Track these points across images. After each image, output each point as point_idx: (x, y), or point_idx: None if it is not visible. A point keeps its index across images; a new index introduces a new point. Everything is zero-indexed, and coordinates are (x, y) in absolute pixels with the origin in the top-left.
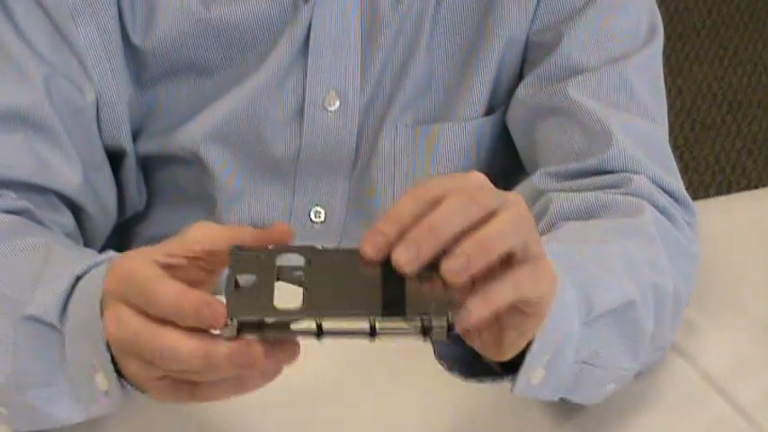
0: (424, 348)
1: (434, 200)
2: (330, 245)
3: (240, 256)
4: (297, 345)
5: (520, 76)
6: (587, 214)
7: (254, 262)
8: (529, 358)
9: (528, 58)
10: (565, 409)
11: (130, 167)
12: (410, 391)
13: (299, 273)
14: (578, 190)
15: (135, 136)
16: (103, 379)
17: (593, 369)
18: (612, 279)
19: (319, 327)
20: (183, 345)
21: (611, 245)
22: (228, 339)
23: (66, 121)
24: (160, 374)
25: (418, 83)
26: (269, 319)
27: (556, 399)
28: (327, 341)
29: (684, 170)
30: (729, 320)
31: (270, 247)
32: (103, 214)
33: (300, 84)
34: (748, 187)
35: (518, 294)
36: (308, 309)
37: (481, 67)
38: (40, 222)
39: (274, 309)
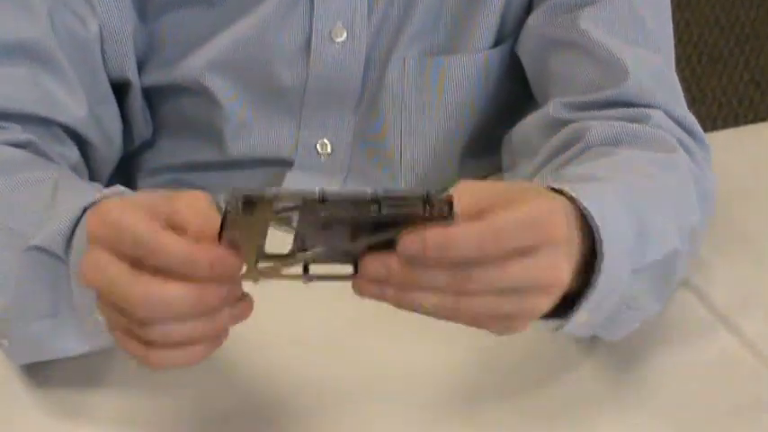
0: None
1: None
2: (337, 178)
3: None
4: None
5: (529, 6)
6: (617, 142)
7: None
8: (582, 305)
9: None
10: (576, 343)
11: (136, 98)
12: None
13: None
14: (598, 120)
15: (140, 67)
16: None
17: (628, 311)
18: (664, 226)
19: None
20: (168, 291)
21: (658, 181)
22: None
23: (71, 54)
24: (125, 326)
25: (427, 14)
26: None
27: (588, 335)
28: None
29: (691, 103)
30: (736, 254)
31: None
32: (109, 146)
33: (307, 15)
34: (755, 120)
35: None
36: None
37: None
38: (45, 155)
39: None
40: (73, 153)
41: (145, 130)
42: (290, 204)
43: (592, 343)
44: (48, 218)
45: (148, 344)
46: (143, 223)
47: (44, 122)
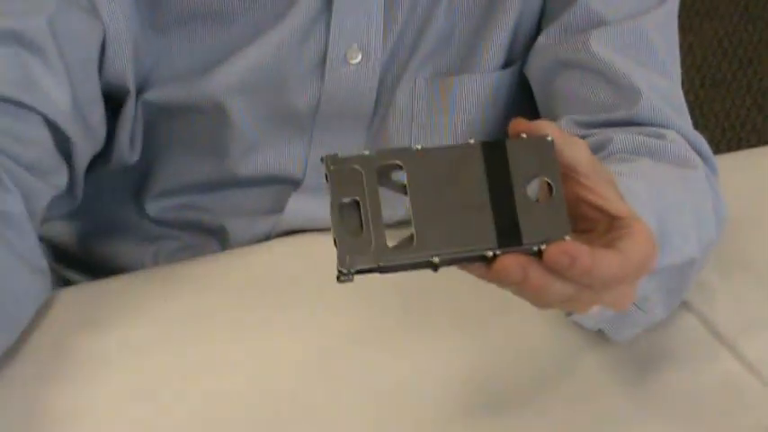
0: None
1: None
2: None
3: (339, 171)
4: None
5: (539, 28)
6: (638, 154)
7: (355, 177)
8: None
9: (547, 9)
10: (573, 364)
11: (129, 113)
12: (431, 326)
13: (401, 180)
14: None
15: (148, 82)
16: None
17: (637, 311)
18: (686, 233)
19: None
20: None
21: (680, 191)
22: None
23: (66, 48)
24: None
25: (439, 36)
26: (384, 264)
27: (595, 329)
28: None
29: (695, 126)
30: (739, 277)
31: (366, 153)
32: (92, 146)
33: (323, 36)
34: (758, 143)
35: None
36: (421, 249)
37: (501, 19)
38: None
39: (389, 251)
40: (45, 147)
41: (128, 151)
42: (392, 161)
43: (584, 364)
44: None
45: None
46: None
47: (22, 107)
